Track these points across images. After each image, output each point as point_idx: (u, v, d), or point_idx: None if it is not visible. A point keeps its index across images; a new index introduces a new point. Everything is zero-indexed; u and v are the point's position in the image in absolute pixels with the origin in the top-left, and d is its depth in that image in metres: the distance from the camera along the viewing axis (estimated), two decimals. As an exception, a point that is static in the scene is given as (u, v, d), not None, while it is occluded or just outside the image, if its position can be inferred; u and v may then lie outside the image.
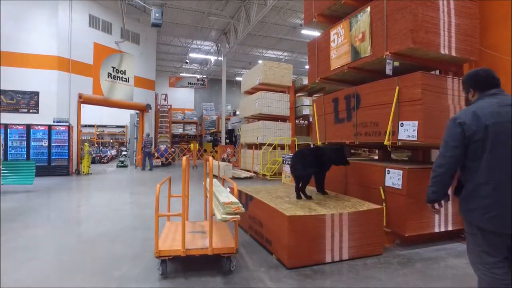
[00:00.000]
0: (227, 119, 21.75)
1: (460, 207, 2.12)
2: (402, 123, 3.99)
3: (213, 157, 16.72)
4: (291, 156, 4.96)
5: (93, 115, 21.34)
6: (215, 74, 27.96)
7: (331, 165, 4.58)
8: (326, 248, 3.38)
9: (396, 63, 4.15)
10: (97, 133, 24.38)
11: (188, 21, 17.70)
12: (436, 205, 2.17)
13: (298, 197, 4.32)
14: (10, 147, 11.08)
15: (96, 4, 13.38)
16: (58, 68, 11.82)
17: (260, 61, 16.49)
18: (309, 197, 4.24)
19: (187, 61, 24.12)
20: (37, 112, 11.60)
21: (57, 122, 11.63)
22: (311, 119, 12.94)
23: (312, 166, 4.41)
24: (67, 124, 11.72)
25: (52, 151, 11.42)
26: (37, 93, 11.58)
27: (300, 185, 4.38)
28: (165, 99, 20.33)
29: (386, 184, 4.11)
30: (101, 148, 21.41)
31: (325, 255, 3.38)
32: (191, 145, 17.11)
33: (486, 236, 1.96)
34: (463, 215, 2.09)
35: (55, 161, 11.50)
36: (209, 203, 3.26)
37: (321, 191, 4.64)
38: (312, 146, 9.00)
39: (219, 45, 21.06)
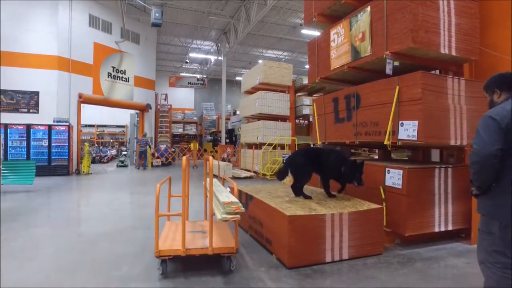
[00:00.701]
0: (227, 119, 21.74)
1: (484, 203, 2.13)
2: (402, 123, 3.99)
3: (213, 157, 16.73)
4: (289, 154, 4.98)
5: (93, 115, 21.35)
6: (215, 74, 27.96)
7: (334, 171, 4.28)
8: (326, 247, 3.38)
9: (396, 63, 4.14)
10: (97, 133, 24.39)
11: (188, 21, 17.69)
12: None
13: (296, 195, 4.33)
14: (10, 147, 11.08)
15: (96, 4, 13.38)
16: (58, 68, 11.82)
17: (260, 61, 16.49)
18: (308, 197, 4.23)
19: (187, 60, 24.13)
20: (37, 112, 11.60)
21: (57, 122, 11.63)
22: (311, 119, 12.93)
23: (307, 167, 4.31)
24: (67, 124, 11.72)
25: (52, 151, 11.42)
26: (37, 93, 11.58)
27: (297, 184, 4.37)
28: (165, 99, 20.34)
29: (386, 184, 4.11)
30: (101, 148, 21.42)
31: (325, 255, 3.38)
32: (191, 145, 17.13)
33: (506, 235, 1.96)
34: (487, 211, 2.09)
35: (55, 161, 11.50)
36: (209, 202, 3.26)
37: (327, 193, 4.43)
38: (313, 145, 8.88)
39: (219, 44, 21.06)
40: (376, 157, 8.30)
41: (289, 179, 8.29)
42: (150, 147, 14.80)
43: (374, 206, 3.76)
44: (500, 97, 2.21)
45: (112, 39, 14.16)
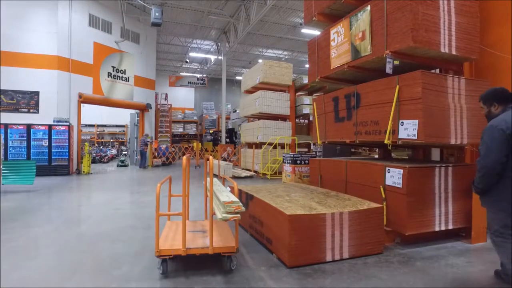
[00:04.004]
0: (227, 118, 21.75)
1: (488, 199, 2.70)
2: (402, 122, 3.99)
3: (213, 156, 16.72)
4: None
5: (93, 114, 21.36)
6: (215, 73, 27.96)
7: None
8: (327, 247, 3.39)
9: (396, 62, 4.14)
10: (98, 132, 24.41)
11: (188, 20, 17.68)
12: None
13: None
14: (10, 147, 11.08)
15: (96, 3, 13.37)
16: (58, 68, 11.82)
17: (260, 60, 16.48)
18: None
19: (187, 60, 24.14)
20: (37, 112, 11.61)
21: (57, 121, 11.63)
22: (311, 118, 12.93)
23: None
24: (68, 123, 11.73)
25: (52, 150, 11.43)
26: (37, 93, 11.59)
27: None
28: (165, 99, 20.34)
29: (387, 183, 4.11)
30: (101, 147, 21.42)
31: (325, 254, 3.39)
32: (194, 144, 17.09)
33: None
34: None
35: (55, 160, 11.50)
36: (209, 202, 3.27)
37: None
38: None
39: (219, 44, 21.05)
40: (376, 156, 8.30)
41: (289, 178, 8.32)
42: (146, 145, 14.82)
43: (374, 205, 3.76)
44: (498, 109, 2.73)
45: (112, 39, 14.16)
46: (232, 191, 3.76)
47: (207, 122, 24.86)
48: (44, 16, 11.78)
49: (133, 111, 16.20)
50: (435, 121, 3.81)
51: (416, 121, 3.80)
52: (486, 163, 2.55)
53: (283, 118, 12.58)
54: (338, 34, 5.15)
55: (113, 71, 14.26)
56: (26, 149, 11.22)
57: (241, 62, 25.81)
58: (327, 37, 5.43)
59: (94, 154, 17.11)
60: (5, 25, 11.13)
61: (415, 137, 3.80)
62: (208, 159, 3.44)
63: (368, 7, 4.50)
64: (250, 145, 13.31)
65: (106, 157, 18.45)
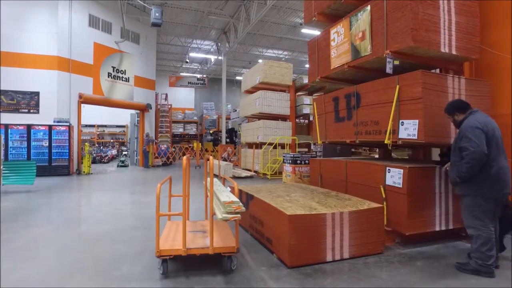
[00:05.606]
0: (228, 119, 21.75)
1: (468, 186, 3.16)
2: (402, 122, 3.99)
3: (213, 156, 16.72)
4: None
5: (93, 114, 21.37)
6: (215, 74, 27.97)
7: None
8: (327, 247, 3.39)
9: (397, 62, 4.14)
10: (98, 133, 24.40)
11: (188, 21, 17.69)
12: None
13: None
14: (10, 147, 11.08)
15: (96, 4, 13.37)
16: (58, 68, 11.81)
17: (260, 60, 16.48)
18: None
19: (187, 60, 24.15)
20: (38, 112, 11.60)
21: (58, 122, 11.62)
22: (311, 118, 12.93)
23: None
24: (68, 124, 11.73)
25: (52, 151, 11.43)
26: (37, 93, 11.58)
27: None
28: (165, 99, 20.33)
29: (387, 183, 4.11)
30: (101, 147, 21.42)
31: (326, 254, 3.39)
32: (194, 145, 17.08)
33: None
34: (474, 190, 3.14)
35: (55, 161, 11.50)
36: (209, 202, 3.27)
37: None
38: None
39: (219, 44, 21.05)
40: (377, 156, 8.30)
41: (289, 178, 8.32)
42: (148, 144, 14.90)
43: (374, 205, 3.76)
44: (460, 116, 3.33)
45: (112, 39, 14.15)
46: (232, 191, 3.76)
47: (207, 122, 24.86)
48: (44, 16, 11.78)
49: (133, 111, 16.20)
50: (435, 121, 3.81)
51: (416, 121, 3.80)
52: (476, 154, 2.98)
53: (283, 118, 12.58)
54: (338, 34, 5.15)
55: (113, 71, 14.25)
56: (26, 150, 11.22)
57: (241, 62, 25.81)
58: (327, 37, 5.43)
59: (94, 155, 17.11)
60: (5, 25, 11.13)
61: (415, 137, 3.80)
62: (208, 159, 3.44)
63: (368, 7, 4.50)
64: (250, 145, 13.31)
65: (106, 157, 18.45)
